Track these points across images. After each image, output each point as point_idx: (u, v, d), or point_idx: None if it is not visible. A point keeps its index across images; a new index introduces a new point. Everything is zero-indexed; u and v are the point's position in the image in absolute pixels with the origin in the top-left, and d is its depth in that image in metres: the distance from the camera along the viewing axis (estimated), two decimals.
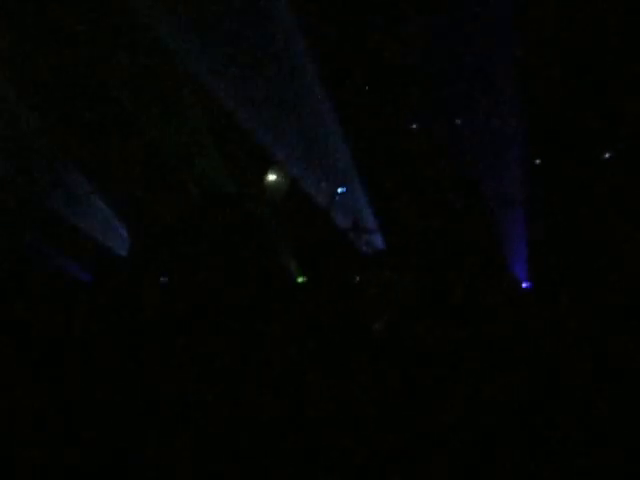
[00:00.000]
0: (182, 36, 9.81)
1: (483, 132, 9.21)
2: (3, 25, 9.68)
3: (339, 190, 8.21)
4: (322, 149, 9.77)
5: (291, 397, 3.58)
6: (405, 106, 9.50)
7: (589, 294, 8.10)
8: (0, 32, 9.87)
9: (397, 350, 7.33)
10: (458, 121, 9.30)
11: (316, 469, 3.13)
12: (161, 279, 9.01)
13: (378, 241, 8.87)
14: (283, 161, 9.90)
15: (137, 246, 9.21)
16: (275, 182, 10.30)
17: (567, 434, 3.35)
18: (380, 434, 3.41)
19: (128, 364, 3.95)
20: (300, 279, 9.07)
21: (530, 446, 3.29)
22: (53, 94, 10.18)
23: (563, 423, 3.44)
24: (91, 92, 10.30)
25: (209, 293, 9.40)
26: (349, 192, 8.54)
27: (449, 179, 8.76)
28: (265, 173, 10.27)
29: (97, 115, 10.28)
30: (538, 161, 8.94)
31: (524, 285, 8.53)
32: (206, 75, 10.06)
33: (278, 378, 3.84)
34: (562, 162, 8.69)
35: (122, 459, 3.09)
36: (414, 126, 9.59)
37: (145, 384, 3.57)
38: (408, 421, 3.54)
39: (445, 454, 3.27)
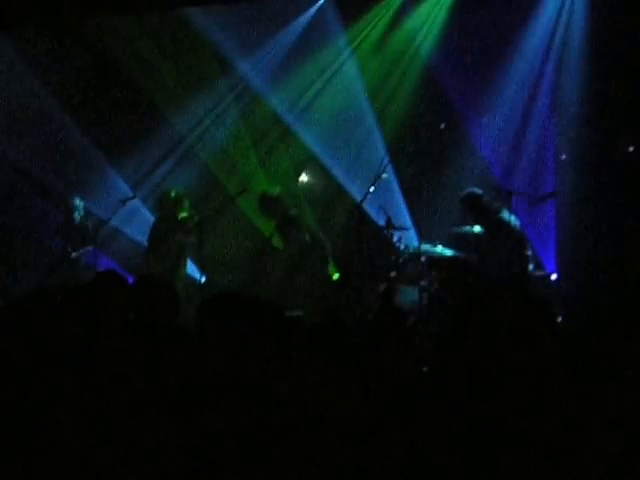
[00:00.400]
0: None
1: (511, 129, 9.28)
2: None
3: (371, 188, 8.27)
4: (357, 146, 9.86)
5: (317, 392, 3.60)
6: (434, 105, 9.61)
7: (617, 286, 8.20)
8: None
9: (431, 345, 7.46)
10: (485, 119, 9.40)
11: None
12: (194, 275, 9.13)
13: (412, 237, 8.97)
14: (318, 159, 10.02)
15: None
16: (310, 180, 10.42)
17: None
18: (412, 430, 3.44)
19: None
20: (335, 276, 9.20)
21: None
22: (98, 105, 10.40)
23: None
24: (127, 97, 10.49)
25: (243, 288, 9.57)
26: (382, 189, 8.59)
27: (479, 175, 8.82)
28: (300, 171, 10.39)
29: (135, 119, 10.48)
30: (564, 156, 9.00)
31: (553, 277, 8.62)
32: (249, 75, 10.20)
33: (307, 371, 3.88)
34: (592, 156, 8.73)
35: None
36: (442, 125, 9.69)
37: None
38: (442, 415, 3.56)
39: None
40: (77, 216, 9.60)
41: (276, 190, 9.04)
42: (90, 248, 9.26)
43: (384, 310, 5.52)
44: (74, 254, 9.36)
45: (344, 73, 9.99)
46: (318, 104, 10.13)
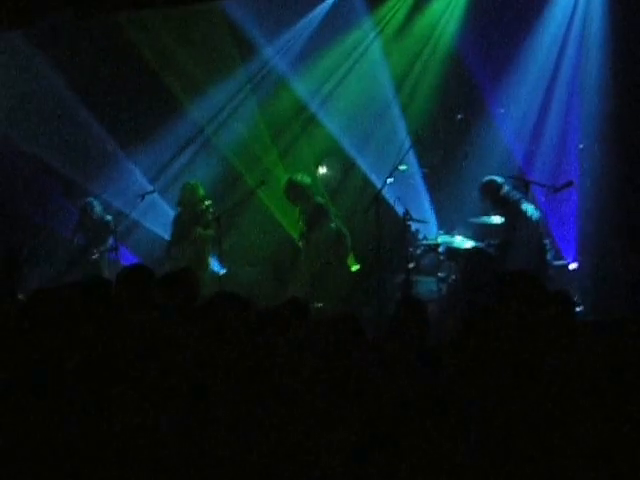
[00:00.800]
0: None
1: (532, 117, 9.23)
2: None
3: (388, 180, 8.25)
4: (381, 135, 9.79)
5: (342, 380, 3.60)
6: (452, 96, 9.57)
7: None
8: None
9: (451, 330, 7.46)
10: (502, 110, 9.36)
11: None
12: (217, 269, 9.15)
13: (432, 228, 8.96)
14: (341, 148, 10.00)
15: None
16: (328, 173, 10.41)
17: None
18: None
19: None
20: (354, 267, 9.22)
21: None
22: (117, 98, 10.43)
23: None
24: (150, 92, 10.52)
25: (264, 281, 9.61)
26: (402, 180, 8.58)
27: (500, 165, 8.78)
28: (319, 163, 10.37)
29: (153, 111, 10.49)
30: (581, 145, 8.95)
31: (572, 267, 8.59)
32: (273, 61, 10.14)
33: (329, 361, 3.88)
34: (614, 144, 8.66)
35: None
36: (460, 116, 9.64)
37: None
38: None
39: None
40: (94, 216, 9.60)
41: (307, 178, 9.06)
42: (111, 242, 9.31)
43: (406, 301, 5.53)
44: (95, 256, 9.39)
45: (368, 58, 9.88)
46: (342, 91, 10.08)
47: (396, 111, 9.71)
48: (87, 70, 10.42)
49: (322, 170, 10.39)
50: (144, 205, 9.43)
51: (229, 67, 10.22)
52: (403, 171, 8.39)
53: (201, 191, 9.29)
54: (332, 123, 10.01)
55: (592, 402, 3.46)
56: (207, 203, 9.20)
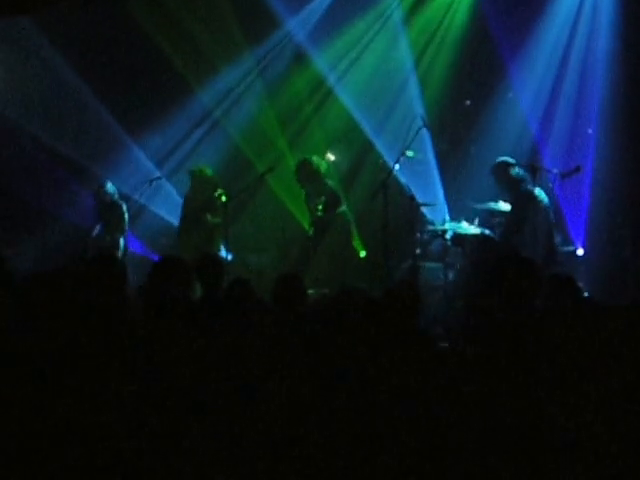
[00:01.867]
0: None
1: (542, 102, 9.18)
2: None
3: (396, 166, 8.20)
4: (398, 115, 9.71)
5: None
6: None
7: None
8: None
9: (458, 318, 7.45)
10: (510, 94, 9.32)
11: None
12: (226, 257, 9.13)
13: (441, 214, 8.91)
14: (348, 136, 9.92)
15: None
16: (335, 159, 10.37)
17: None
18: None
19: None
20: (362, 254, 9.20)
21: None
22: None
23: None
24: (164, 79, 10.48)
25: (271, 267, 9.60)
26: (412, 165, 8.52)
27: (508, 150, 8.72)
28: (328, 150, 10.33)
29: (167, 102, 10.47)
30: (590, 130, 8.91)
31: (579, 252, 8.56)
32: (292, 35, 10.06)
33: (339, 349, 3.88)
34: (625, 130, 8.61)
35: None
36: (468, 102, 9.60)
37: None
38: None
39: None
40: (107, 199, 9.58)
41: (322, 162, 9.01)
42: (123, 226, 9.33)
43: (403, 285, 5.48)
44: (108, 239, 9.39)
45: (386, 35, 9.79)
46: (357, 70, 9.97)
47: (414, 92, 9.59)
48: (94, 54, 10.38)
49: (330, 157, 10.32)
50: (151, 190, 9.40)
51: (236, 50, 10.14)
52: (410, 157, 8.31)
53: (208, 174, 9.25)
54: (347, 104, 9.88)
55: (598, 388, 3.43)
56: (218, 192, 9.14)
